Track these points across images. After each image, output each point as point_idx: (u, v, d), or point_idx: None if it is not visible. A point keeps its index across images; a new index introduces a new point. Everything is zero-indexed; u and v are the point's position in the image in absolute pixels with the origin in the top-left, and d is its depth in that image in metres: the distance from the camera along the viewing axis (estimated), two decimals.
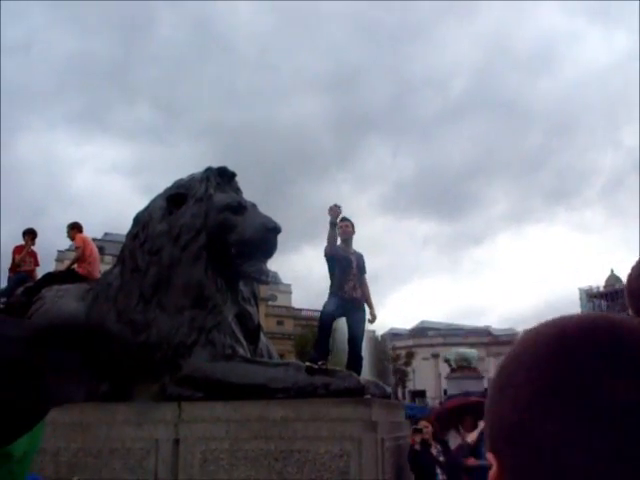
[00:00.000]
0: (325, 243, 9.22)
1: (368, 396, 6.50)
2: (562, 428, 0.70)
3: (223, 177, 8.00)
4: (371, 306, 9.74)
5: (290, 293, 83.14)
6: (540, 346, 0.77)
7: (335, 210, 8.95)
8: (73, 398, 1.20)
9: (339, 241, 9.36)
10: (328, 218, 8.93)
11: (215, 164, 8.09)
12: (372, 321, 9.76)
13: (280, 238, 7.68)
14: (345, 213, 9.06)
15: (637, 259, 1.88)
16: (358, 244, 9.92)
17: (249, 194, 8.30)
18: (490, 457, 0.79)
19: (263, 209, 7.94)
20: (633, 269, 1.86)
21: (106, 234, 57.85)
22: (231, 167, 8.26)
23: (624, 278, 1.94)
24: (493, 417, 0.79)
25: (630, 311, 1.82)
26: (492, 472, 0.79)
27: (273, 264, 8.17)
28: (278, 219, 7.68)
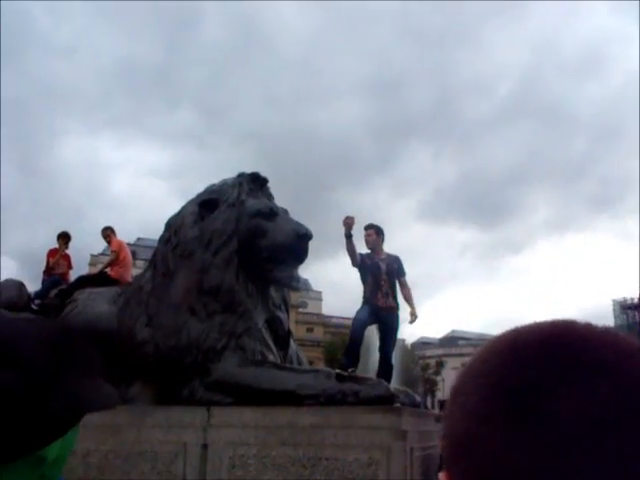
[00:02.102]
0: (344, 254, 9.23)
1: (398, 405, 6.45)
2: (505, 436, 0.67)
3: (255, 183, 8.02)
4: (412, 306, 9.72)
5: (320, 300, 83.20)
6: (491, 354, 0.75)
7: (348, 222, 8.95)
8: (107, 404, 1.18)
9: (365, 249, 9.36)
10: (360, 227, 8.95)
11: (254, 169, 8.13)
12: (412, 321, 9.73)
13: (316, 244, 7.67)
14: (381, 219, 9.11)
15: None
16: (394, 251, 9.89)
17: (288, 199, 8.33)
18: (440, 476, 0.76)
19: (301, 215, 7.94)
20: None
21: (139, 239, 58.44)
22: (270, 173, 8.28)
23: None
24: (445, 427, 0.76)
25: None
26: None
27: (307, 271, 8.24)
28: (315, 225, 7.68)
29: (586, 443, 0.64)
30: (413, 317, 9.71)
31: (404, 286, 9.70)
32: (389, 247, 9.69)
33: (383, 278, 9.32)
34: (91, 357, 1.20)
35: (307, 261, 7.68)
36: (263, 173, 8.17)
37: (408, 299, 9.74)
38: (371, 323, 9.34)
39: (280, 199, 8.26)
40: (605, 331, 0.73)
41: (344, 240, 9.09)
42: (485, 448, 0.68)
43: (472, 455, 0.70)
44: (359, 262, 9.27)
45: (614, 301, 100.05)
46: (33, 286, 10.90)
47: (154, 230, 8.10)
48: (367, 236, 9.51)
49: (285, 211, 7.84)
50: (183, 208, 8.00)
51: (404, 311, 9.69)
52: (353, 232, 9.15)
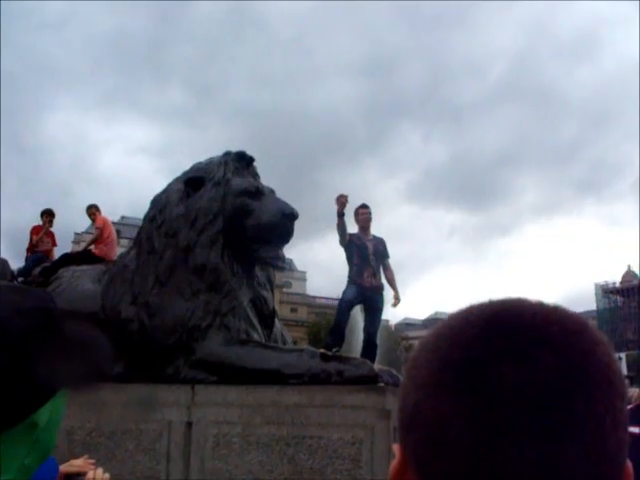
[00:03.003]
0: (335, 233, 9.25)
1: (381, 384, 6.49)
2: (447, 408, 0.69)
3: (241, 162, 7.98)
4: (395, 289, 9.77)
5: (305, 280, 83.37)
6: (444, 328, 0.77)
7: (342, 200, 8.96)
8: (94, 379, 1.19)
9: (357, 228, 9.38)
10: (350, 206, 8.96)
11: (244, 148, 8.08)
12: (395, 304, 9.77)
13: (303, 224, 7.67)
14: (370, 200, 9.14)
15: None
16: (381, 231, 9.93)
17: (278, 178, 8.31)
18: (394, 448, 0.79)
19: (290, 194, 7.93)
20: None
21: (123, 217, 58.20)
22: (260, 151, 8.25)
23: None
24: (399, 400, 0.78)
25: None
26: (394, 462, 0.78)
27: (293, 250, 8.22)
28: (303, 205, 7.68)
29: (525, 417, 0.66)
30: (396, 301, 9.76)
31: (388, 269, 9.73)
32: (377, 228, 9.72)
33: (370, 258, 9.35)
34: (79, 328, 1.20)
35: (292, 241, 7.68)
36: (253, 152, 8.13)
37: (391, 282, 9.78)
38: (358, 303, 9.38)
39: (270, 178, 8.23)
40: (553, 309, 0.75)
41: (335, 218, 9.10)
42: (429, 420, 0.71)
43: (419, 427, 0.72)
44: (347, 241, 9.28)
45: (596, 285, 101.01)
46: (18, 263, 10.86)
47: (142, 208, 8.05)
48: (363, 214, 9.52)
49: (271, 190, 7.82)
50: (168, 186, 7.96)
51: (388, 294, 9.73)
52: (344, 211, 9.16)
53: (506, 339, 0.70)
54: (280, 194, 7.84)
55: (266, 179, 8.14)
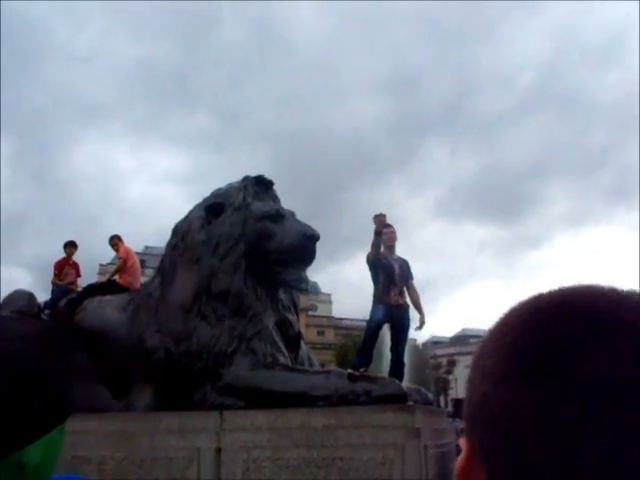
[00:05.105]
0: (368, 250, 9.23)
1: (410, 403, 6.43)
2: (515, 396, 0.66)
3: (261, 185, 8.02)
4: (421, 312, 9.70)
5: (330, 303, 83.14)
6: (511, 316, 0.73)
7: (380, 219, 8.97)
8: (93, 406, 1.15)
9: (382, 248, 9.35)
10: (374, 226, 8.95)
11: (271, 171, 8.18)
12: (420, 327, 9.70)
13: (331, 245, 7.67)
14: (398, 217, 9.15)
15: None
16: (411, 249, 9.90)
17: (304, 200, 8.34)
18: (461, 442, 0.75)
19: (317, 215, 7.95)
20: None
21: (147, 247, 58.51)
22: (287, 174, 8.40)
23: None
24: (466, 393, 0.74)
25: None
26: (461, 457, 0.74)
27: (319, 273, 8.19)
28: (331, 226, 7.69)
29: (601, 408, 0.62)
30: (421, 324, 9.69)
31: (413, 290, 9.69)
32: (406, 245, 9.70)
33: (397, 278, 9.32)
34: (78, 357, 1.18)
35: (317, 264, 7.67)
36: (279, 175, 8.19)
37: (417, 304, 9.73)
38: (385, 322, 9.33)
39: (297, 200, 8.27)
40: (627, 294, 0.71)
41: (372, 236, 9.12)
42: (497, 410, 0.67)
43: (486, 418, 0.69)
44: (377, 259, 9.27)
45: None
46: (45, 296, 10.95)
47: (167, 237, 8.12)
48: (390, 233, 9.50)
49: (292, 213, 7.84)
50: (190, 213, 8.01)
51: (413, 315, 9.66)
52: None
53: (581, 324, 0.67)
54: (307, 216, 7.84)
55: (293, 201, 8.17)
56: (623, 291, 0.72)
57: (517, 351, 0.68)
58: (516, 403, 0.66)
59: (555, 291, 0.74)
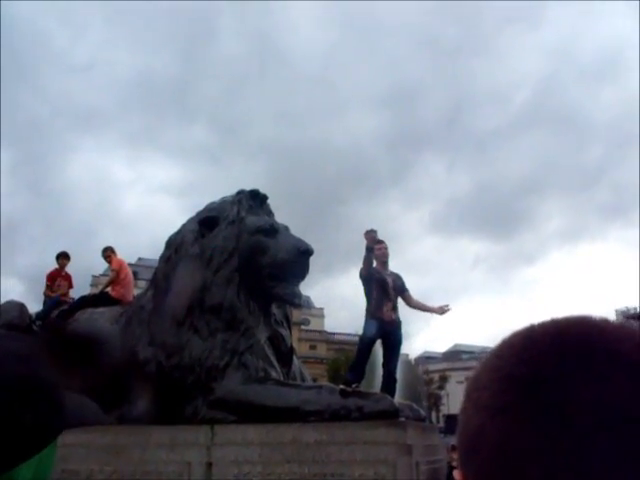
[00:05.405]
0: (360, 266, 9.25)
1: (402, 419, 6.41)
2: (511, 428, 0.66)
3: (255, 200, 8.03)
4: (431, 308, 9.78)
5: (323, 317, 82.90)
6: (505, 348, 0.73)
7: (371, 235, 9.00)
8: (85, 421, 1.14)
9: (375, 263, 9.36)
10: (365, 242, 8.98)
11: (267, 185, 8.18)
12: (445, 312, 9.72)
13: (326, 259, 7.68)
14: (394, 232, 9.18)
15: None
16: (406, 264, 9.92)
17: (300, 214, 8.35)
18: (455, 474, 0.75)
19: (314, 229, 7.96)
20: None
21: (140, 259, 58.33)
22: (284, 188, 8.41)
23: None
24: (459, 424, 0.74)
25: None
26: None
27: (313, 288, 8.19)
28: (327, 240, 7.69)
29: (600, 439, 0.62)
30: (446, 308, 9.75)
31: (411, 299, 9.72)
32: (401, 260, 9.73)
33: (390, 293, 9.33)
34: (70, 374, 1.18)
35: (311, 278, 7.66)
36: (276, 189, 8.21)
37: (423, 306, 9.81)
38: (378, 338, 9.33)
39: (293, 214, 8.28)
40: (621, 325, 0.71)
41: (363, 251, 9.14)
42: (492, 442, 0.67)
43: (481, 450, 0.69)
44: (370, 274, 9.28)
45: (617, 311, 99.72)
46: (37, 307, 10.92)
47: (161, 249, 8.11)
48: (380, 250, 9.51)
49: (286, 227, 7.84)
50: (183, 226, 8.01)
51: (411, 325, 9.68)
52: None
53: (576, 356, 0.67)
54: (303, 229, 7.85)
55: (289, 214, 8.18)
56: (614, 322, 0.72)
57: (513, 383, 0.68)
58: (514, 435, 0.66)
59: (548, 322, 0.74)
